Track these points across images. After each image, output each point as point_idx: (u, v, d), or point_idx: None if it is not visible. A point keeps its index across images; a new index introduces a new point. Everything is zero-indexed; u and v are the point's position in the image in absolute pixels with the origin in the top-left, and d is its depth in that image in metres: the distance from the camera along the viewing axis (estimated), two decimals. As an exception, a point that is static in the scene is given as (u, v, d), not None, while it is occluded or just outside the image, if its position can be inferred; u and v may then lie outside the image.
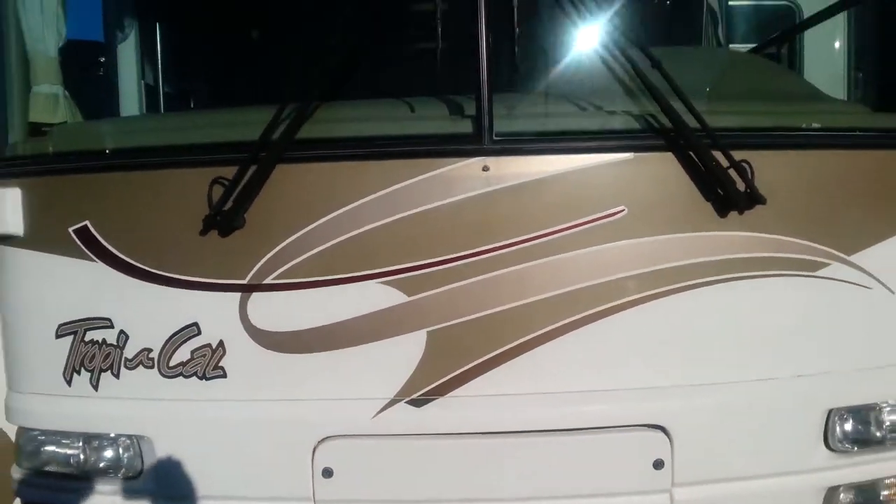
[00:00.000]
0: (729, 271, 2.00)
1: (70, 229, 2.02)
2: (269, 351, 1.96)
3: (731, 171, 1.93)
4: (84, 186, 2.05)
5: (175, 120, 2.66)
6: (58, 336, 2.07)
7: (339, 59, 2.00)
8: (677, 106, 1.90)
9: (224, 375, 1.98)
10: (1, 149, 2.24)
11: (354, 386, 1.95)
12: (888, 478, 2.19)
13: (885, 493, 2.21)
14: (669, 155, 1.95)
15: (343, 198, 1.91)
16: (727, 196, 1.94)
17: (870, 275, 2.10)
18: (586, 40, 2.02)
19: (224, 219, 1.90)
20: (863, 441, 2.14)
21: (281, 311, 1.95)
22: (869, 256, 2.09)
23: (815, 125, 2.12)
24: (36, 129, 2.30)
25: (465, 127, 1.93)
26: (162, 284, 1.98)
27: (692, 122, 1.91)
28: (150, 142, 2.09)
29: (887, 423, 2.15)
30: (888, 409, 2.16)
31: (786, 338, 2.06)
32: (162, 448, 2.01)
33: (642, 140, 1.97)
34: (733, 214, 1.98)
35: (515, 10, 2.13)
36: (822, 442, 2.10)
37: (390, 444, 1.95)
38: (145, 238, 2.00)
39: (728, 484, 2.05)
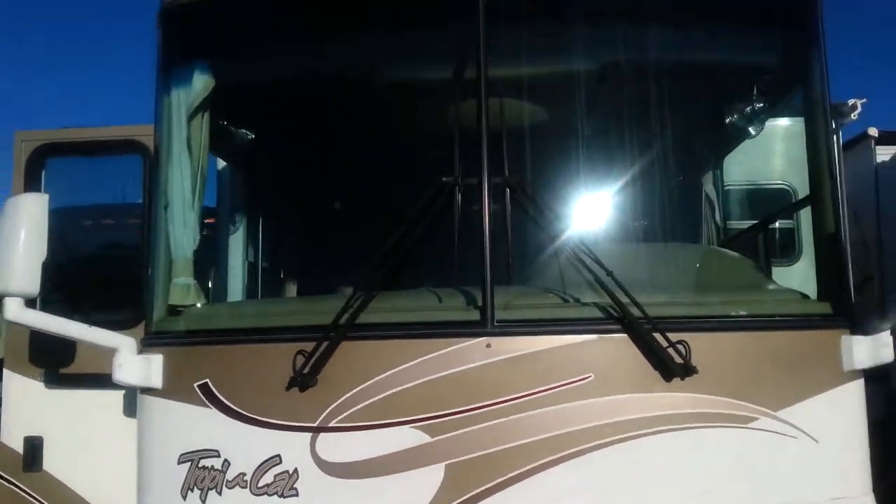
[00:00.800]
0: (674, 423, 2.64)
1: (195, 385, 2.85)
2: (329, 476, 2.68)
3: (675, 347, 2.64)
4: (207, 354, 2.90)
5: (268, 306, 3.54)
6: (179, 462, 2.84)
7: (386, 265, 2.85)
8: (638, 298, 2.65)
9: (297, 495, 2.69)
10: (149, 324, 3.13)
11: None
12: None
13: None
14: (624, 336, 2.67)
15: (385, 366, 2.68)
16: (668, 367, 2.63)
17: (795, 427, 2.71)
18: (562, 251, 2.82)
19: (303, 380, 2.70)
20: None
21: (339, 446, 2.68)
22: (794, 412, 2.71)
23: (742, 312, 2.83)
24: (173, 310, 3.19)
25: (475, 315, 2.71)
26: (256, 426, 2.76)
27: (639, 313, 2.65)
28: (252, 324, 2.94)
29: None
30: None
31: (723, 476, 2.66)
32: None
33: (604, 326, 2.69)
34: (676, 380, 2.66)
35: (510, 232, 2.94)
36: None
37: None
38: (247, 392, 2.80)
39: None
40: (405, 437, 2.65)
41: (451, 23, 2.92)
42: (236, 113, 3.42)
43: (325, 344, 2.68)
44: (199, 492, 2.80)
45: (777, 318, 2.85)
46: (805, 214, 5.15)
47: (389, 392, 2.68)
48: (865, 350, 2.79)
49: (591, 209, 3.07)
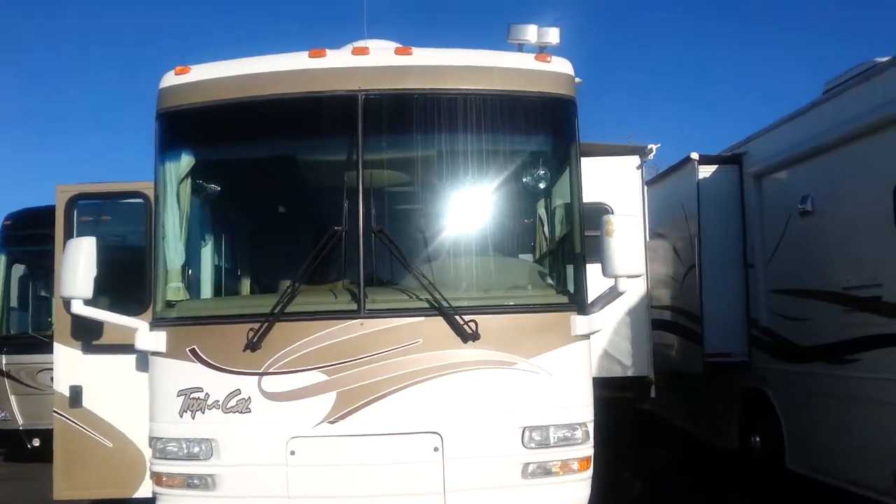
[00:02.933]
0: (470, 366, 4.64)
1: (187, 349, 4.72)
2: (269, 400, 4.60)
3: (469, 324, 4.63)
4: (194, 331, 4.78)
5: (231, 301, 5.42)
6: (177, 395, 4.71)
7: (302, 277, 4.77)
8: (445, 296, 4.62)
9: (251, 411, 4.61)
10: (154, 313, 4.98)
11: (306, 415, 4.56)
12: (553, 461, 4.72)
13: (554, 467, 4.72)
14: (440, 317, 4.64)
15: (302, 336, 4.59)
16: (464, 335, 4.62)
17: (539, 367, 4.73)
18: (406, 269, 4.77)
19: (252, 346, 4.60)
20: (539, 442, 4.68)
21: (274, 383, 4.60)
22: (537, 359, 4.73)
23: (510, 303, 4.83)
24: (169, 303, 5.03)
25: (354, 307, 4.65)
26: (226, 373, 4.65)
27: (447, 305, 4.63)
28: (222, 312, 4.84)
29: (552, 436, 4.72)
30: (552, 428, 4.73)
31: (500, 395, 4.67)
32: (222, 443, 4.62)
33: (427, 312, 4.65)
34: (469, 342, 4.64)
35: (375, 257, 4.85)
36: (521, 441, 4.65)
37: (319, 439, 4.55)
38: (219, 353, 4.67)
39: (477, 459, 4.59)
40: (313, 377, 4.59)
41: (340, 126, 4.83)
42: (208, 177, 5.24)
43: (265, 325, 4.60)
44: (189, 413, 4.69)
45: (532, 306, 4.86)
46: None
47: (304, 351, 4.61)
48: (584, 324, 4.82)
49: (429, 242, 5.07)
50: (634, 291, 7.32)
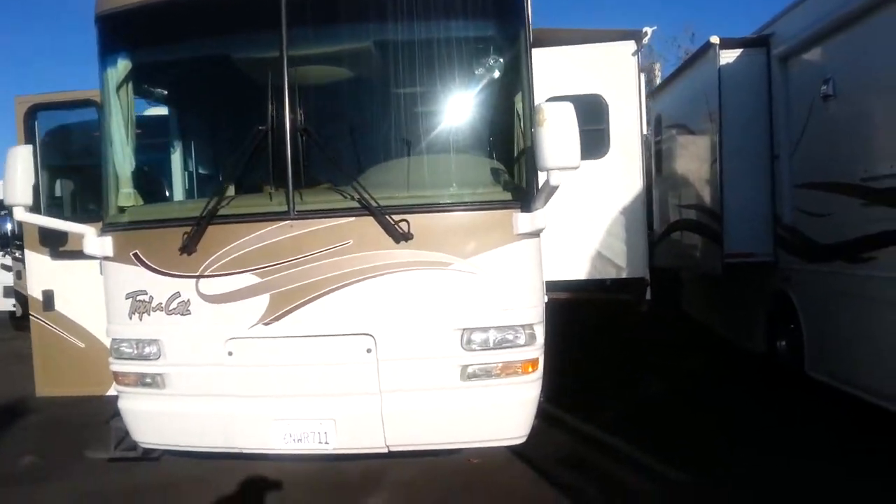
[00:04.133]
0: (403, 268, 4.51)
1: (130, 253, 4.80)
2: (206, 303, 4.65)
3: (400, 224, 4.47)
4: (136, 235, 4.83)
5: (171, 205, 5.40)
6: (125, 298, 4.83)
7: (234, 179, 4.69)
8: (375, 195, 4.46)
9: (190, 313, 4.69)
10: (104, 219, 5.05)
11: (242, 316, 4.59)
12: (494, 363, 4.60)
13: (495, 370, 4.61)
14: (370, 218, 4.50)
15: (236, 238, 4.57)
16: (395, 235, 4.47)
17: (476, 267, 4.55)
18: (337, 168, 4.62)
19: (188, 248, 4.62)
20: (479, 344, 4.57)
21: (211, 285, 4.63)
22: (474, 259, 4.55)
23: (447, 201, 4.62)
24: (122, 209, 5.09)
25: (284, 208, 4.56)
26: (166, 276, 4.71)
27: (376, 204, 4.46)
28: (162, 216, 4.86)
29: (492, 338, 4.59)
30: (493, 330, 4.59)
31: (436, 297, 4.54)
32: (166, 343, 4.74)
33: (358, 212, 4.51)
34: (402, 242, 4.50)
35: (304, 157, 4.68)
36: (460, 343, 4.55)
37: (255, 340, 4.59)
38: (160, 256, 4.73)
39: (412, 360, 4.54)
40: (247, 280, 4.59)
41: (264, 20, 4.60)
42: (145, 81, 5.18)
43: (196, 228, 4.59)
44: (137, 315, 4.81)
45: (469, 204, 4.62)
46: (614, 118, 6.80)
47: (237, 254, 4.60)
48: (527, 222, 4.57)
49: (362, 140, 4.86)
50: (629, 188, 6.92)
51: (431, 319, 4.56)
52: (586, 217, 6.84)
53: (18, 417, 6.90)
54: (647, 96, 13.39)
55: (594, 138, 6.90)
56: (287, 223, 4.56)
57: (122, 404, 4.99)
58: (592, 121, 6.92)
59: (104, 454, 5.50)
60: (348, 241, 4.53)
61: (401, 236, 4.48)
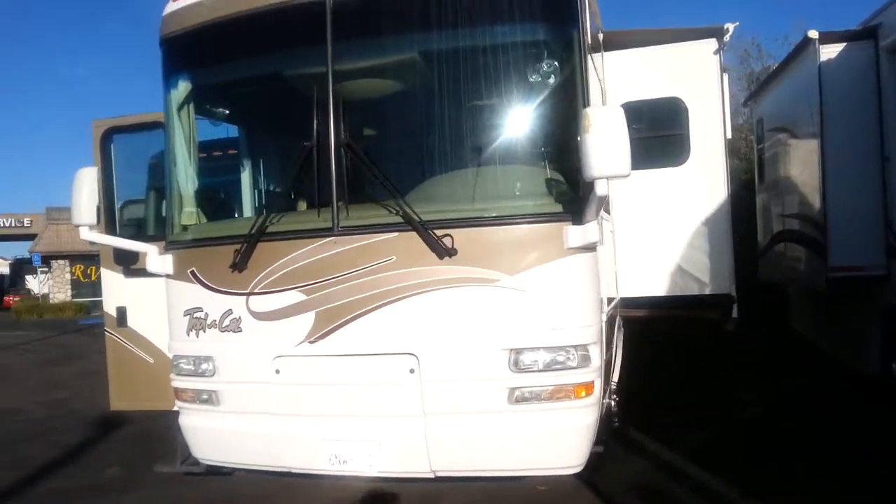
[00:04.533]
0: (447, 285, 4.35)
1: (188, 271, 4.90)
2: (256, 320, 4.66)
3: (444, 239, 4.31)
4: (193, 253, 4.93)
5: (226, 223, 5.45)
6: (184, 315, 4.94)
7: (284, 197, 4.69)
8: (419, 209, 4.33)
9: (241, 330, 4.71)
10: (167, 237, 5.20)
11: (288, 334, 4.56)
12: (544, 386, 4.33)
13: (544, 393, 4.34)
14: (413, 233, 4.36)
15: (283, 255, 4.56)
16: (439, 251, 4.31)
17: (524, 284, 4.32)
18: (379, 185, 4.50)
19: (239, 266, 4.66)
20: (528, 366, 4.31)
21: (260, 302, 4.64)
22: (522, 275, 4.31)
23: (492, 214, 4.41)
24: (185, 227, 5.21)
25: (329, 224, 4.50)
26: (219, 293, 4.77)
27: (426, 217, 4.32)
28: (215, 234, 4.93)
29: (542, 359, 4.32)
30: (542, 351, 4.33)
31: (481, 315, 4.34)
32: (219, 360, 4.78)
33: (401, 228, 4.39)
34: (446, 258, 4.33)
35: (349, 173, 4.60)
36: (507, 365, 4.32)
37: (301, 358, 4.55)
38: (214, 274, 4.79)
39: (457, 382, 4.35)
40: (293, 297, 4.56)
41: (309, 35, 4.60)
42: (202, 100, 5.30)
43: (245, 246, 4.62)
44: (194, 332, 4.89)
45: (516, 217, 4.39)
46: (694, 122, 6.36)
47: (284, 271, 4.59)
48: (577, 236, 4.29)
49: (407, 153, 4.74)
50: (713, 197, 6.42)
51: (477, 339, 4.35)
52: (665, 229, 6.41)
53: (105, 429, 7.25)
54: (749, 99, 12.63)
55: (673, 144, 6.48)
56: (331, 240, 4.50)
57: (182, 420, 5.08)
58: (671, 125, 6.50)
59: (171, 468, 5.65)
60: (391, 258, 4.41)
61: (444, 252, 4.31)
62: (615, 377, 6.60)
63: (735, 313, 6.40)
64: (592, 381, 4.44)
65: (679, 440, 6.36)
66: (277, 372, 4.62)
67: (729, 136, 6.45)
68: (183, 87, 5.12)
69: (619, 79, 6.45)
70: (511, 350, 4.33)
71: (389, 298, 4.42)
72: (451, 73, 4.55)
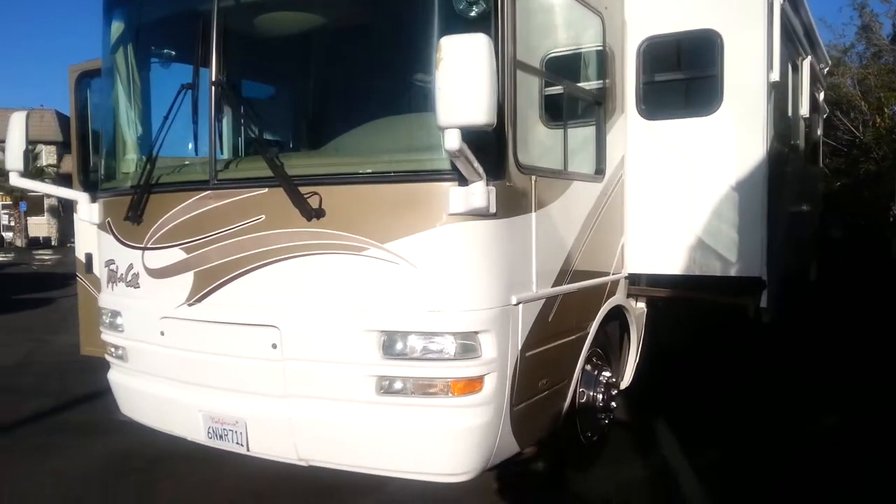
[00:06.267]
0: (312, 251, 3.75)
1: (106, 221, 4.71)
2: (149, 277, 4.37)
3: (311, 198, 3.70)
4: (108, 204, 4.72)
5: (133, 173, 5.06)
6: (104, 267, 4.78)
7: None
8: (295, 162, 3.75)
9: (139, 286, 4.45)
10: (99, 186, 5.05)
11: (172, 295, 4.20)
12: (418, 378, 3.62)
13: (417, 387, 3.63)
14: (280, 190, 3.79)
15: (167, 209, 4.20)
16: (305, 211, 3.71)
17: (397, 255, 3.60)
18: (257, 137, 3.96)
19: (132, 218, 4.37)
20: (400, 352, 3.62)
21: (152, 259, 4.32)
22: (394, 245, 3.60)
23: (366, 170, 3.70)
24: (107, 176, 5.02)
25: (205, 175, 4.07)
26: (125, 246, 4.51)
27: (296, 171, 3.74)
28: (121, 185, 4.67)
29: (416, 345, 3.61)
30: (414, 336, 3.61)
31: (347, 289, 3.70)
32: (125, 318, 4.57)
33: (270, 183, 3.83)
34: (313, 219, 3.72)
35: (230, 123, 4.08)
36: (377, 349, 3.65)
37: (180, 322, 4.19)
38: (122, 226, 4.55)
39: (321, 363, 3.77)
40: (176, 254, 4.20)
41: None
42: (128, 41, 4.94)
43: (135, 198, 4.32)
44: (111, 284, 4.72)
45: (393, 174, 3.66)
46: (731, 61, 5.08)
47: (169, 226, 4.23)
48: (459, 199, 3.48)
49: (302, 97, 4.09)
50: (747, 156, 5.08)
51: (342, 316, 3.73)
52: (685, 193, 5.20)
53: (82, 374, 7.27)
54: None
55: (701, 88, 5.22)
56: (208, 194, 4.06)
57: (108, 374, 4.98)
58: (700, 65, 5.23)
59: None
60: (261, 217, 3.89)
61: (309, 212, 3.71)
62: (628, 370, 5.62)
63: (764, 302, 5.09)
64: (481, 377, 3.66)
65: (696, 449, 5.26)
66: (162, 334, 4.32)
67: (775, 78, 5.05)
68: (109, 27, 4.84)
69: (643, 7, 5.27)
70: (381, 332, 3.66)
71: (256, 263, 3.92)
72: (327, 10, 3.85)
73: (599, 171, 4.91)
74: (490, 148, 3.59)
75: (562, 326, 4.38)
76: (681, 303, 5.65)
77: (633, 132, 5.24)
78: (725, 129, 5.06)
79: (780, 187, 5.71)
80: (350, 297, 3.72)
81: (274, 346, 3.87)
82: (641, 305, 5.73)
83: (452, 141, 3.10)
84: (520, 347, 3.89)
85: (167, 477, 4.96)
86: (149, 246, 4.36)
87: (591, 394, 5.02)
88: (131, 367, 4.64)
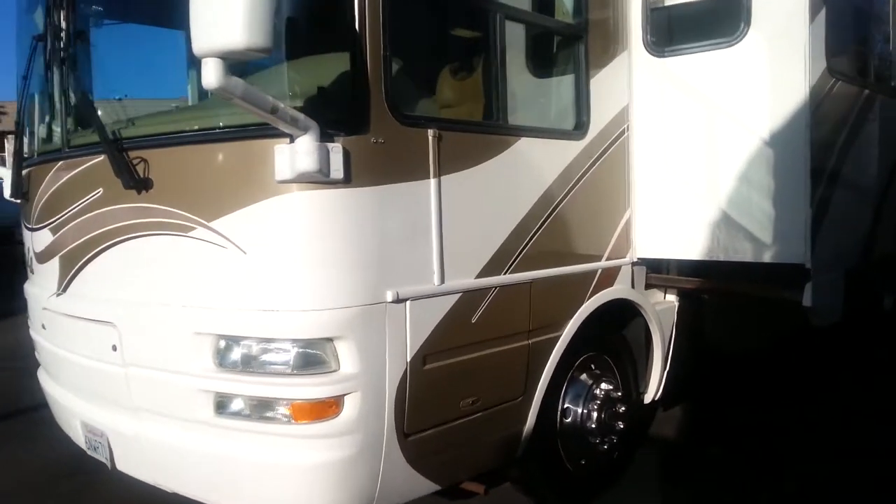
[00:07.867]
0: (140, 231, 2.99)
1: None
2: (36, 261, 3.82)
3: (137, 164, 2.93)
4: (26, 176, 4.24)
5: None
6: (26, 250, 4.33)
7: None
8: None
9: (34, 272, 3.92)
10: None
11: (48, 282, 3.62)
12: (253, 397, 2.77)
13: (253, 408, 2.78)
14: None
15: (38, 184, 3.60)
16: (126, 179, 2.95)
17: (224, 236, 2.75)
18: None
19: (22, 196, 3.84)
20: (235, 361, 2.79)
21: (37, 241, 3.74)
22: (221, 222, 2.75)
23: (194, 126, 2.85)
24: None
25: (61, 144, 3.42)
26: (26, 228, 3.99)
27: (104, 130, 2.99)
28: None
29: (252, 354, 2.75)
30: (249, 343, 2.76)
31: (176, 279, 2.91)
32: (28, 301, 4.06)
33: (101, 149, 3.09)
34: (143, 193, 2.95)
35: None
36: (212, 357, 2.84)
37: (51, 314, 3.60)
38: (25, 203, 4.04)
39: (158, 371, 3.01)
40: (46, 236, 3.60)
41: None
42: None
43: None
44: (29, 269, 4.21)
45: (221, 131, 2.78)
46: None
47: (41, 203, 3.64)
48: (286, 160, 2.56)
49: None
50: (782, 100, 3.61)
51: (172, 314, 2.95)
52: (703, 154, 3.86)
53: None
54: None
55: (721, 11, 3.81)
56: (62, 163, 3.42)
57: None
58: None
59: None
60: (100, 190, 3.18)
61: (131, 182, 2.94)
62: (653, 379, 4.44)
63: (808, 299, 3.63)
64: (337, 398, 2.73)
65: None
66: (44, 327, 3.77)
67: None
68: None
69: None
70: (215, 336, 2.84)
71: (96, 248, 3.22)
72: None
73: (580, 125, 3.71)
74: (336, 88, 2.63)
75: (501, 329, 3.31)
76: (724, 296, 4.30)
77: (639, 75, 3.97)
78: (753, 66, 3.63)
79: (841, 139, 4.12)
80: (178, 290, 2.93)
81: (114, 347, 3.16)
82: (672, 299, 4.44)
83: (209, 75, 2.17)
84: (409, 358, 2.90)
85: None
86: (33, 226, 3.81)
87: (582, 411, 3.90)
88: (42, 360, 4.17)
